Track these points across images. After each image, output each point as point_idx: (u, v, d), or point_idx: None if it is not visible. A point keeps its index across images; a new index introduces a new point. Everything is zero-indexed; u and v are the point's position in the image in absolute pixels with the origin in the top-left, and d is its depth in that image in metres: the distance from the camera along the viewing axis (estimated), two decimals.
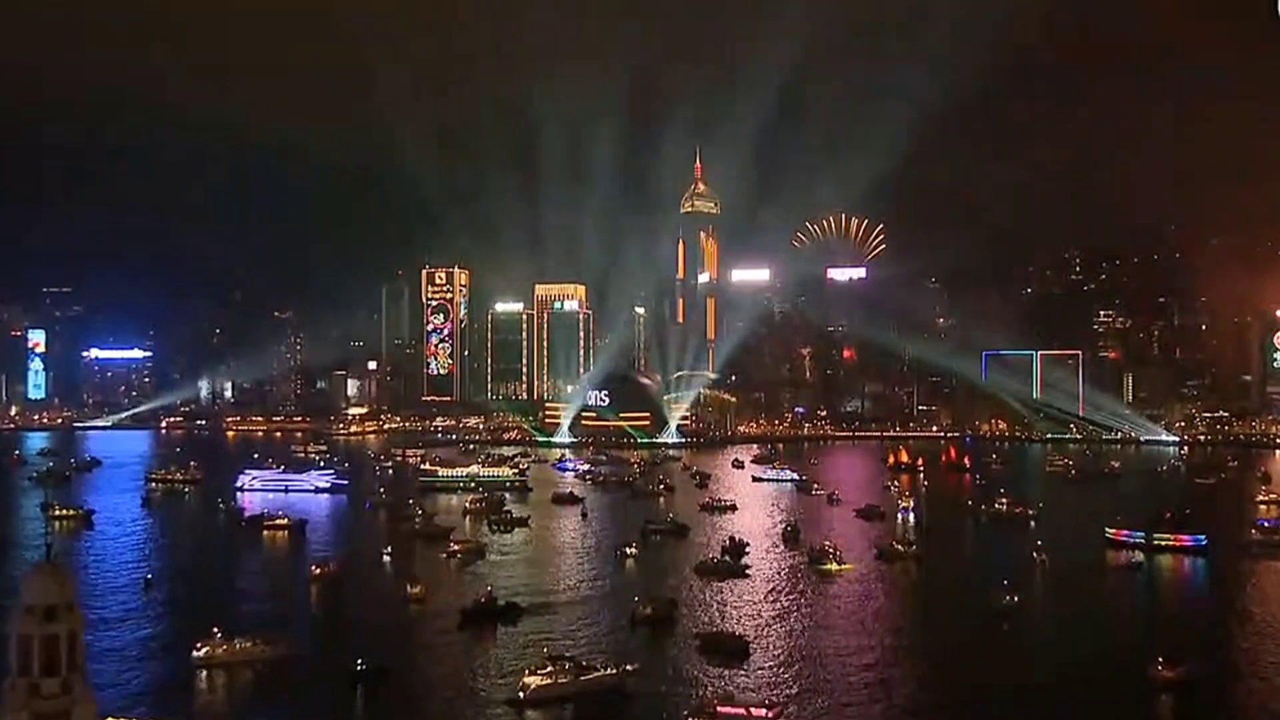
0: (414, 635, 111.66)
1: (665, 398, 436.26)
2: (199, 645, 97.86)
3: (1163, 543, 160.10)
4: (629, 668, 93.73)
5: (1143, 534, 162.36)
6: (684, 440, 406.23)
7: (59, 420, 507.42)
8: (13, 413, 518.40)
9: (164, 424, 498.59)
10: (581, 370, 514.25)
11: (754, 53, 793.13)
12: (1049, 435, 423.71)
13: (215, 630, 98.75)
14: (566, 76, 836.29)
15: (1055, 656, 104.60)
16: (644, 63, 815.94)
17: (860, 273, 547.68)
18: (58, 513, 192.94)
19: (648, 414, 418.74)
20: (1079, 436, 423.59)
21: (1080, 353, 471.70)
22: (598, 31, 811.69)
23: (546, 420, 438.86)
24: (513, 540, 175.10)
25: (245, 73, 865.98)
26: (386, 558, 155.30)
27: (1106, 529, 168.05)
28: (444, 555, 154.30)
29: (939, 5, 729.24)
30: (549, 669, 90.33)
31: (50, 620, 39.88)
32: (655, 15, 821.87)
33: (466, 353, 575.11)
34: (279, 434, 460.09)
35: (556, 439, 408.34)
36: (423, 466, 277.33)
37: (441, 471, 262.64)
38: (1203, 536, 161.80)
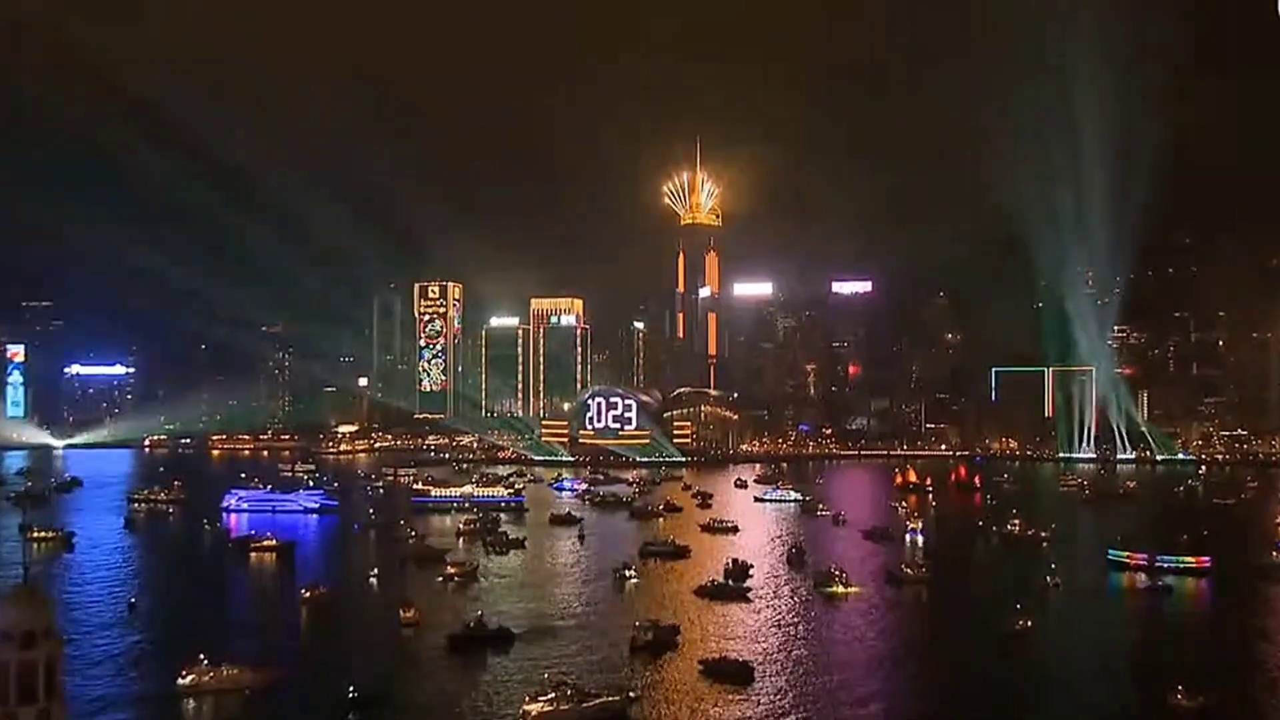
0: (408, 661, 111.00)
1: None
2: (185, 672, 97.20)
3: (1166, 565, 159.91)
4: (631, 694, 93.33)
5: (1144, 556, 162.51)
6: (685, 459, 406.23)
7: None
8: None
9: (147, 442, 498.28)
10: (579, 386, 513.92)
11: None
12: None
13: (201, 656, 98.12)
14: (568, 83, 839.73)
15: (1070, 683, 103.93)
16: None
17: (866, 286, 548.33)
18: (36, 534, 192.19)
19: (646, 433, 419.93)
20: (1092, 455, 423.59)
21: (1094, 369, 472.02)
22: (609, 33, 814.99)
23: (544, 438, 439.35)
24: (508, 562, 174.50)
25: (229, 81, 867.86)
26: (375, 580, 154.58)
27: (1109, 550, 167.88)
28: (439, 578, 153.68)
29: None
30: (550, 695, 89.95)
31: (28, 646, 39.60)
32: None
33: (460, 369, 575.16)
34: (266, 453, 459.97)
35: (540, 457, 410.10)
36: (415, 486, 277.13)
37: (434, 491, 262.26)
38: (1207, 559, 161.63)
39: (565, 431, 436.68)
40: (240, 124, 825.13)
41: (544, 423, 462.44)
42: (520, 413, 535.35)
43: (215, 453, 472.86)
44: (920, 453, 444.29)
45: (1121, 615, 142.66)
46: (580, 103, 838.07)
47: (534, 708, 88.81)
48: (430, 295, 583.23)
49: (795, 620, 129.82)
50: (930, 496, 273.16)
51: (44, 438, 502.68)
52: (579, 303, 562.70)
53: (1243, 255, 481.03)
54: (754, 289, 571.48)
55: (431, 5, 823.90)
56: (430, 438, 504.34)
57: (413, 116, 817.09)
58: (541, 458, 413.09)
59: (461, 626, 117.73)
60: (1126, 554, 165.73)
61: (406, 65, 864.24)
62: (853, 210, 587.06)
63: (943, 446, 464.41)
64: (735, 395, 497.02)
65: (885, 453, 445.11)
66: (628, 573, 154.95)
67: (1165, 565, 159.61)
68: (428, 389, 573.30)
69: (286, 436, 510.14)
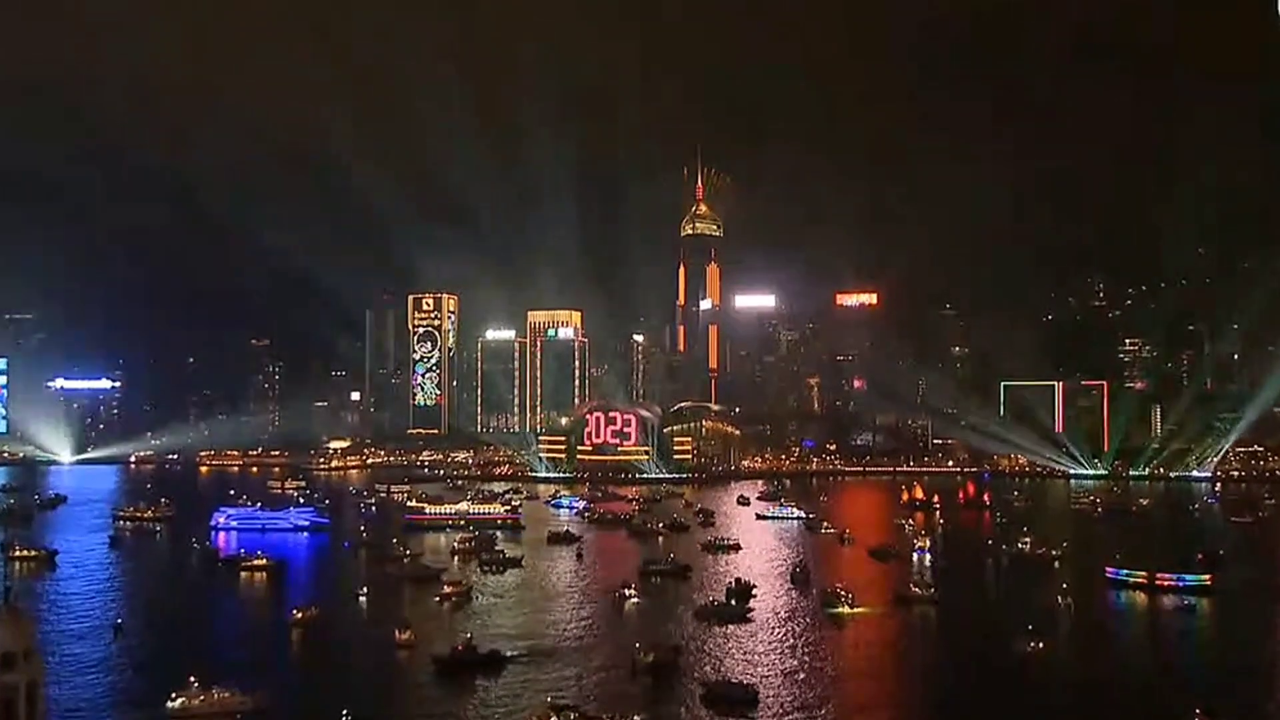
0: (403, 683, 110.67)
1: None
2: (174, 695, 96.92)
3: (1166, 582, 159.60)
4: (636, 718, 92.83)
5: (1144, 573, 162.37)
6: (686, 475, 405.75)
7: (20, 455, 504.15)
8: None
9: (133, 458, 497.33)
10: (577, 401, 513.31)
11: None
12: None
13: (191, 679, 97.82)
14: (567, 89, 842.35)
15: (1083, 707, 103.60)
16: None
17: (871, 298, 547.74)
18: (18, 553, 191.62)
19: (646, 449, 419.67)
20: (1104, 472, 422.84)
21: (1105, 383, 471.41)
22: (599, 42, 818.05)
23: (541, 454, 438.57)
24: (505, 582, 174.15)
25: (219, 86, 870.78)
26: (366, 600, 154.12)
27: (1109, 569, 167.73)
28: (436, 598, 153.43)
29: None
30: (552, 719, 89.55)
31: (8, 669, 39.26)
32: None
33: (455, 383, 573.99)
34: (255, 469, 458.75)
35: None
36: (409, 504, 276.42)
37: (428, 509, 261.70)
38: (1208, 577, 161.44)
39: (563, 447, 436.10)
40: (233, 133, 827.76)
41: (541, 438, 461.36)
42: (517, 428, 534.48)
43: (203, 469, 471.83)
44: (927, 469, 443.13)
45: (1137, 635, 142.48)
46: (579, 107, 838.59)
47: None
48: (425, 307, 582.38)
49: (800, 642, 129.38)
50: (938, 514, 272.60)
51: (36, 452, 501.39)
52: (577, 315, 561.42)
53: (1258, 265, 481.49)
54: (756, 301, 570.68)
55: (418, 18, 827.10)
56: (425, 454, 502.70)
57: (409, 122, 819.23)
58: (539, 474, 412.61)
59: (449, 650, 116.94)
60: (1127, 572, 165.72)
61: (404, 68, 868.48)
62: (858, 220, 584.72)
63: (950, 463, 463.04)
64: (737, 410, 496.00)
65: (891, 469, 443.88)
66: (627, 592, 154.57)
67: (1166, 583, 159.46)
68: (422, 403, 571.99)
69: (276, 452, 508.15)
